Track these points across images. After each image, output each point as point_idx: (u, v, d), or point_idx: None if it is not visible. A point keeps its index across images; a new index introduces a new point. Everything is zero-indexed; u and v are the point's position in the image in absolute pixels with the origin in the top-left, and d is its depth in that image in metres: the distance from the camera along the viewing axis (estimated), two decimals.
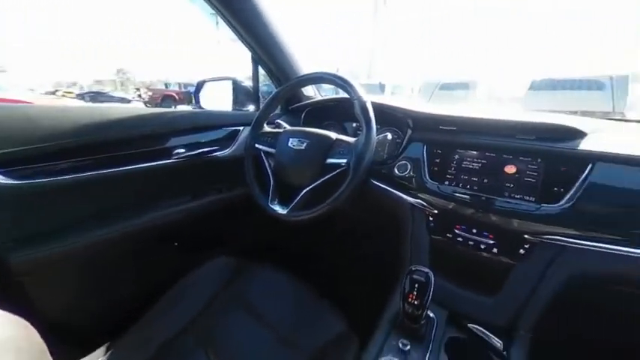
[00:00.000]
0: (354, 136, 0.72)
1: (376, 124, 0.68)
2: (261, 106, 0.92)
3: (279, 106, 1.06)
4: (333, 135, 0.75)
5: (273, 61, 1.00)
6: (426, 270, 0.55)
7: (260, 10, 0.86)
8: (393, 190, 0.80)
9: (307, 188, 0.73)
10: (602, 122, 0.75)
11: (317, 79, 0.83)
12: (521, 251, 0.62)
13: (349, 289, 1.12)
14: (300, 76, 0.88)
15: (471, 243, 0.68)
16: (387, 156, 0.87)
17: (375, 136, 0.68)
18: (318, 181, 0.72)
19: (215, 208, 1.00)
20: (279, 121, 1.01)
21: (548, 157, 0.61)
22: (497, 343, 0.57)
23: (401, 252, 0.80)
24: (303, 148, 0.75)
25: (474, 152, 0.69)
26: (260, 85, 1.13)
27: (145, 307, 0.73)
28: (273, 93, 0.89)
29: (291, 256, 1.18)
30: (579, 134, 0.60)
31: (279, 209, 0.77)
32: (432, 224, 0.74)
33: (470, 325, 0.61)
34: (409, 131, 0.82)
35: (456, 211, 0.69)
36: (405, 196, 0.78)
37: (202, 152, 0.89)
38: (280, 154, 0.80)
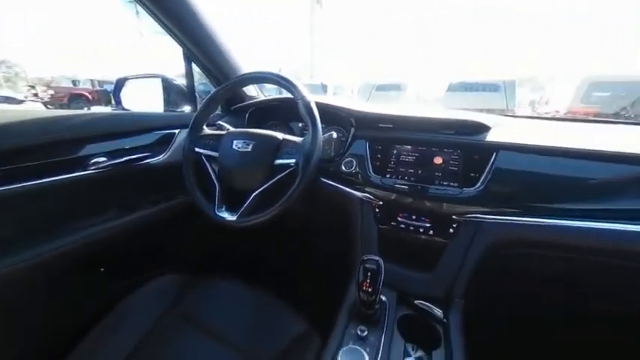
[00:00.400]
0: (301, 136, 0.73)
1: (321, 124, 0.70)
2: (199, 106, 0.85)
3: (219, 107, 0.99)
4: (280, 135, 0.74)
5: (210, 58, 0.94)
6: (377, 258, 0.59)
7: (189, 3, 0.79)
8: (341, 187, 0.84)
9: (257, 191, 0.71)
10: (500, 118, 0.91)
11: (259, 78, 0.81)
12: (451, 230, 0.72)
13: (306, 288, 1.13)
14: (241, 75, 0.84)
15: (411, 228, 0.76)
16: (334, 154, 0.91)
17: (321, 134, 0.70)
18: (268, 183, 0.71)
19: (153, 221, 0.89)
20: (220, 122, 0.95)
21: (465, 148, 0.72)
22: (438, 312, 0.65)
23: (352, 245, 0.84)
24: (249, 150, 0.72)
25: (409, 147, 0.78)
26: (195, 83, 1.04)
27: (75, 343, 0.61)
28: (212, 92, 0.84)
29: (242, 263, 1.13)
30: (485, 128, 0.73)
31: (228, 216, 0.73)
32: (379, 215, 0.80)
33: (416, 301, 0.68)
34: (352, 129, 0.86)
35: (398, 200, 0.77)
36: (353, 191, 0.82)
37: (131, 160, 0.78)
38: (224, 157, 0.76)
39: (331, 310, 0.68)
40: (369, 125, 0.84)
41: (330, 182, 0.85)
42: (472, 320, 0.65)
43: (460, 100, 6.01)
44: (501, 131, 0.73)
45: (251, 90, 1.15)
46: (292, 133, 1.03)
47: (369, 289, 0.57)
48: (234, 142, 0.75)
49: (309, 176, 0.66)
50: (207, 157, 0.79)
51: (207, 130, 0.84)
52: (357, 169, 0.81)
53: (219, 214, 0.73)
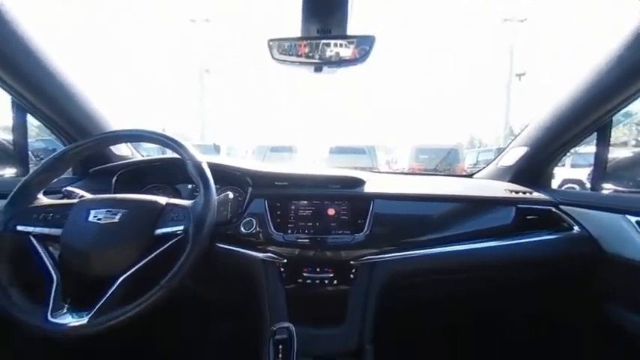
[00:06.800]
0: (191, 199, 0.65)
1: (215, 184, 0.66)
2: (33, 169, 0.63)
3: (69, 170, 0.77)
4: (163, 199, 0.63)
5: (61, 111, 0.76)
6: (287, 325, 0.54)
7: (30, 42, 0.65)
8: (241, 250, 0.77)
9: (125, 275, 0.54)
10: (370, 174, 1.15)
11: (137, 136, 0.70)
12: (351, 276, 0.78)
13: None
14: (112, 131, 0.70)
15: (317, 281, 0.77)
16: (231, 215, 0.85)
17: (215, 195, 0.64)
18: (143, 261, 0.56)
19: None
20: (70, 188, 0.73)
21: (350, 199, 0.84)
22: None
23: (259, 315, 0.75)
24: (116, 220, 0.57)
25: (305, 202, 0.83)
26: (32, 140, 0.79)
27: None
28: (60, 151, 0.65)
29: None
30: (362, 182, 0.89)
31: (73, 320, 0.50)
32: (284, 274, 0.77)
33: None
34: (250, 188, 0.85)
35: (301, 255, 0.78)
36: (254, 253, 0.77)
37: None
38: (73, 234, 0.56)
39: None
40: (266, 184, 0.86)
41: (228, 247, 0.77)
42: None
43: (339, 160, 7.38)
44: (374, 184, 0.91)
45: (123, 149, 0.98)
46: (179, 196, 0.91)
47: None
48: (92, 212, 0.58)
49: (201, 243, 0.57)
50: (41, 236, 0.56)
51: (43, 200, 0.62)
52: (258, 229, 0.78)
53: (54, 319, 0.50)
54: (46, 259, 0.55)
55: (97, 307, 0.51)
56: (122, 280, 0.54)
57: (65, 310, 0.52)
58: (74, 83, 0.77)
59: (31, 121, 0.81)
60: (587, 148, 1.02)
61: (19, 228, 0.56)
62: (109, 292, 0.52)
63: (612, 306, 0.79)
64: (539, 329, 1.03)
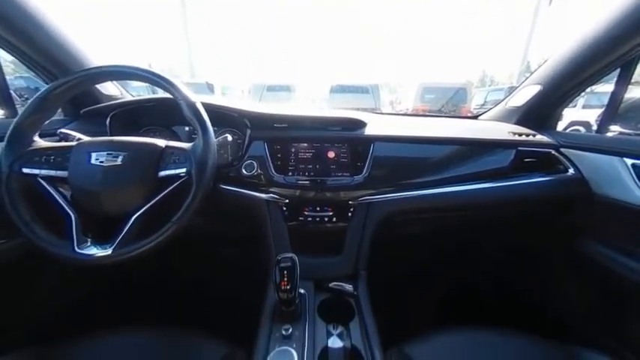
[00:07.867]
0: (189, 141, 0.64)
1: (212, 126, 0.65)
2: (21, 109, 0.61)
3: (59, 110, 0.74)
4: (161, 142, 0.63)
5: (34, 44, 0.68)
6: (290, 254, 0.60)
7: None
8: (244, 191, 0.81)
9: (138, 213, 0.58)
10: (372, 115, 1.11)
11: (123, 74, 0.65)
12: (349, 214, 0.83)
13: (220, 307, 1.03)
14: (95, 67, 0.64)
15: (317, 219, 0.82)
16: (232, 157, 0.85)
17: (213, 138, 0.64)
18: (153, 201, 0.59)
19: None
20: (65, 130, 0.71)
21: (350, 142, 0.84)
22: (349, 287, 0.74)
23: (264, 248, 0.83)
24: (118, 163, 0.58)
25: (305, 144, 0.83)
26: (8, 77, 0.74)
27: None
28: (43, 90, 0.61)
29: (129, 306, 0.91)
30: (363, 124, 0.86)
31: (99, 251, 0.56)
32: (287, 212, 0.82)
33: (330, 284, 0.74)
34: (248, 131, 0.84)
35: (302, 195, 0.81)
36: (257, 194, 0.81)
37: None
38: (79, 176, 0.58)
39: (253, 321, 0.65)
40: (265, 125, 0.84)
41: (232, 188, 0.80)
42: (377, 286, 0.78)
43: (340, 100, 6.99)
44: (375, 126, 0.89)
45: (111, 89, 0.92)
46: (177, 138, 0.90)
47: (288, 287, 0.58)
48: (93, 155, 0.58)
49: (205, 185, 0.60)
50: (49, 178, 0.58)
51: (41, 143, 0.61)
52: (259, 171, 0.80)
53: (81, 251, 0.55)
54: (59, 199, 0.58)
55: (117, 241, 0.56)
56: (135, 218, 0.58)
57: (89, 243, 0.57)
58: (45, 12, 0.67)
59: (5, 57, 0.74)
60: (605, 87, 0.96)
61: (25, 170, 0.57)
62: (125, 229, 0.57)
63: (586, 240, 0.86)
64: (516, 261, 1.16)
